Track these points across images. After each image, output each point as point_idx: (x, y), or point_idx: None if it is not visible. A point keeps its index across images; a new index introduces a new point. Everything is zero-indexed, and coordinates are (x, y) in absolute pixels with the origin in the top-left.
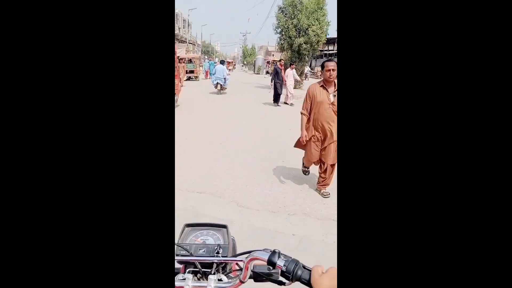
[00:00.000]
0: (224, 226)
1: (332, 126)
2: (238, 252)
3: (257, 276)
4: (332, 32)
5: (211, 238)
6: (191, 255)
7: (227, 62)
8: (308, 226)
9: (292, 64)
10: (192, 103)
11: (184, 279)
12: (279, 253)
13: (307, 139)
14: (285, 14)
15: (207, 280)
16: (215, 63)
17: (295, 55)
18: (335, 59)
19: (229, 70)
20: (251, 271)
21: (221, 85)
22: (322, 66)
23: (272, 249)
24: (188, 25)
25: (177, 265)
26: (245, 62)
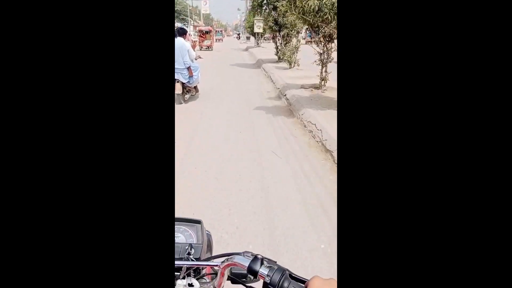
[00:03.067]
0: (198, 222)
1: None
2: (213, 249)
3: (235, 280)
4: None
5: (181, 235)
6: None
7: (200, 32)
8: None
9: None
10: None
11: None
12: (262, 259)
13: None
14: None
15: (176, 284)
16: None
17: None
18: None
19: (204, 48)
20: (229, 275)
21: (183, 83)
22: None
23: (254, 254)
24: None
25: None
26: (252, 30)
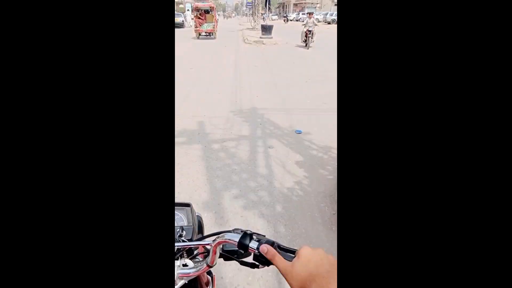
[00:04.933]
0: (188, 205)
1: None
2: (205, 230)
3: (227, 257)
4: None
5: None
6: None
7: (196, 10)
8: None
9: None
10: None
11: None
12: (251, 235)
13: None
14: None
15: None
16: None
17: None
18: None
19: (204, 36)
20: (220, 252)
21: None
22: None
23: (243, 230)
24: None
25: None
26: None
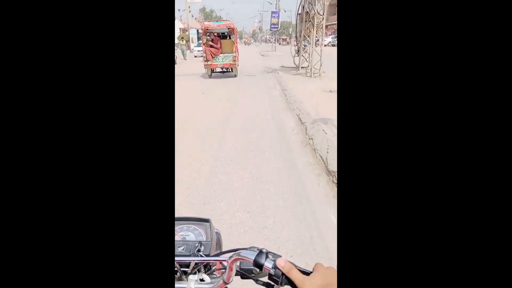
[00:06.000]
0: (207, 220)
1: None
2: (223, 246)
3: (243, 275)
4: None
5: (191, 233)
6: None
7: (206, 32)
8: None
9: None
10: None
11: None
12: (267, 253)
13: None
14: None
15: (187, 279)
16: None
17: None
18: None
19: (217, 72)
20: (237, 269)
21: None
22: None
23: (259, 248)
24: None
25: None
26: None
